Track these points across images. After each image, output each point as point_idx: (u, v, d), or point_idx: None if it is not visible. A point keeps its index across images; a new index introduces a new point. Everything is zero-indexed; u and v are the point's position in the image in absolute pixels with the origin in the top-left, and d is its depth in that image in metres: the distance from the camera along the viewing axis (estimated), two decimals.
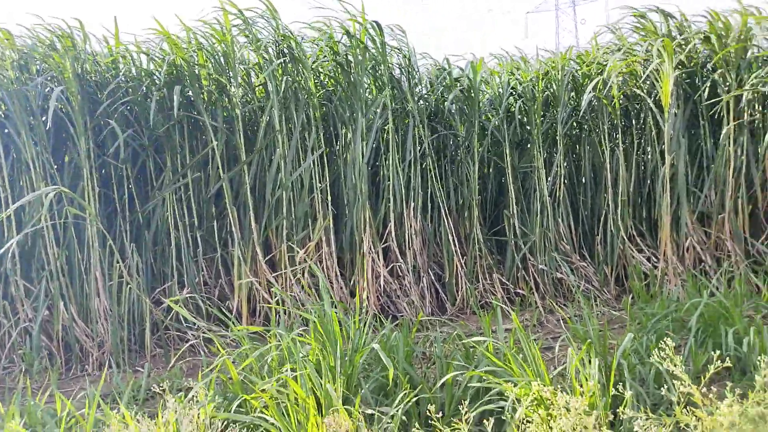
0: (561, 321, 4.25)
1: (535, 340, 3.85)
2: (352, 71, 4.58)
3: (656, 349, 1.88)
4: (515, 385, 2.14)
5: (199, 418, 2.29)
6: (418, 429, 1.91)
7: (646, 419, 1.61)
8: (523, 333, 2.37)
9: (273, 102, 4.32)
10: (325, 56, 4.80)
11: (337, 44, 4.64)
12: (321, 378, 2.32)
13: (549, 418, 1.78)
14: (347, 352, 2.59)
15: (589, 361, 2.20)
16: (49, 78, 4.21)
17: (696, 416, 1.62)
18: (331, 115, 4.83)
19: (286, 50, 4.49)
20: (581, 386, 2.11)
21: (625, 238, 4.79)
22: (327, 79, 4.96)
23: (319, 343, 2.54)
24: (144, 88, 4.43)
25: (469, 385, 2.50)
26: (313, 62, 4.72)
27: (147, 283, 4.54)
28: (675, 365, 1.72)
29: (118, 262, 4.23)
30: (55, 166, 4.32)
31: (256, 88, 4.82)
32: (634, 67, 4.75)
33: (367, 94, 4.87)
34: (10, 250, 4.12)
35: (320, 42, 4.66)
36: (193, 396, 2.47)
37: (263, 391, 2.43)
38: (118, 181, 4.59)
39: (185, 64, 4.33)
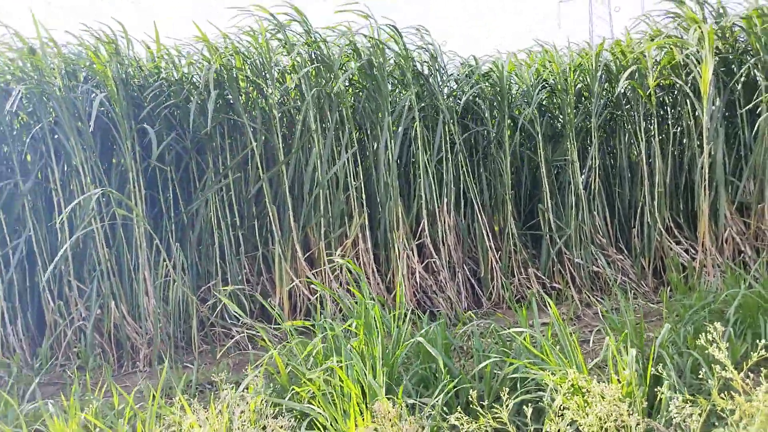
0: (598, 314, 4.27)
1: (571, 332, 3.90)
2: (375, 72, 4.67)
3: (703, 334, 1.92)
4: (553, 375, 2.21)
5: (248, 407, 2.42)
6: (460, 413, 1.99)
7: (683, 401, 1.66)
8: (561, 323, 2.43)
9: (308, 103, 4.44)
10: (348, 58, 4.89)
11: (357, 49, 4.74)
12: (372, 368, 2.42)
13: (585, 405, 1.84)
14: (390, 344, 2.68)
15: (626, 351, 2.24)
16: (95, 84, 4.39)
17: (734, 400, 1.66)
18: (360, 114, 4.93)
19: (316, 53, 4.59)
20: (617, 375, 2.16)
21: (662, 229, 4.77)
22: (355, 80, 5.05)
23: (364, 336, 2.64)
24: (185, 92, 4.58)
25: (507, 376, 2.57)
26: (341, 65, 4.82)
27: (193, 282, 4.71)
28: (720, 350, 1.77)
29: (165, 261, 4.40)
30: (103, 169, 4.51)
31: (291, 90, 4.95)
32: (672, 55, 4.71)
33: (395, 93, 4.96)
34: (64, 251, 4.34)
35: (342, 42, 4.75)
36: (244, 388, 2.60)
37: (310, 380, 2.55)
38: (163, 183, 4.77)
39: (224, 68, 4.47)
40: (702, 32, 4.22)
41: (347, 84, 4.98)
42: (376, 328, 2.62)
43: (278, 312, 4.63)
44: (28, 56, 4.23)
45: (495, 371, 2.85)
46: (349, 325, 2.77)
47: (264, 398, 2.64)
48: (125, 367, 4.34)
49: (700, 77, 4.30)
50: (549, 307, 4.13)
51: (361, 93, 4.91)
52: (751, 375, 1.79)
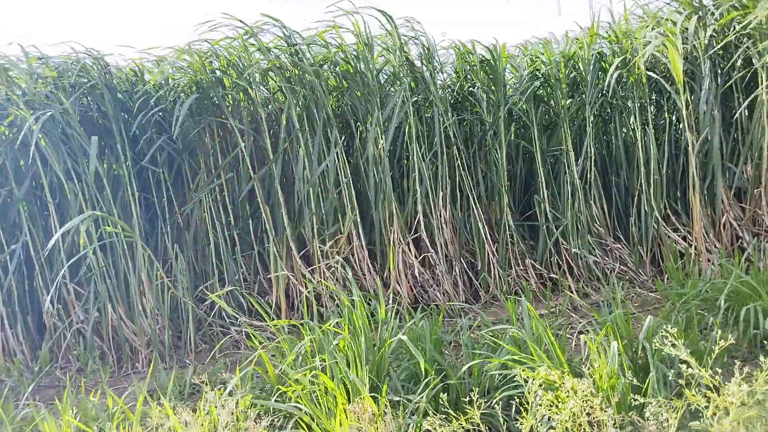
0: (596, 305, 4.24)
1: (569, 325, 3.88)
2: (362, 67, 4.65)
3: (659, 336, 1.90)
4: (532, 371, 2.19)
5: (237, 408, 2.43)
6: (433, 414, 1.98)
7: (658, 405, 1.65)
8: (538, 321, 2.41)
9: (290, 103, 4.44)
10: (329, 58, 4.87)
11: (342, 45, 4.71)
12: (349, 368, 2.42)
13: (558, 401, 1.83)
14: (376, 342, 2.68)
15: (608, 345, 2.22)
16: (83, 93, 4.40)
17: (707, 397, 1.64)
18: (354, 111, 4.91)
19: (295, 53, 4.59)
20: (597, 369, 2.14)
21: (659, 217, 4.72)
22: (341, 77, 5.02)
23: (350, 333, 2.64)
24: (173, 96, 4.59)
25: (494, 372, 2.56)
26: (325, 60, 4.80)
27: (190, 282, 4.73)
28: (678, 349, 1.74)
29: (158, 263, 4.41)
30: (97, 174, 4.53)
31: (276, 92, 4.94)
32: (663, 42, 4.65)
33: (387, 87, 4.94)
34: (60, 256, 4.38)
35: (329, 38, 4.74)
36: (232, 388, 2.61)
37: (296, 381, 2.55)
38: (157, 186, 4.79)
39: (204, 72, 4.49)
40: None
41: (334, 81, 4.96)
42: (362, 326, 2.62)
43: (275, 310, 4.66)
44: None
45: (485, 366, 2.84)
46: (336, 324, 2.77)
47: (252, 396, 2.65)
48: (125, 369, 4.37)
49: (672, 64, 4.24)
50: (545, 300, 4.11)
51: (348, 89, 4.89)
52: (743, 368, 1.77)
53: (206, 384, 2.45)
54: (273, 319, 4.60)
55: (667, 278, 4.40)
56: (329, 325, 2.77)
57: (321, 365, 2.49)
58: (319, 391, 2.40)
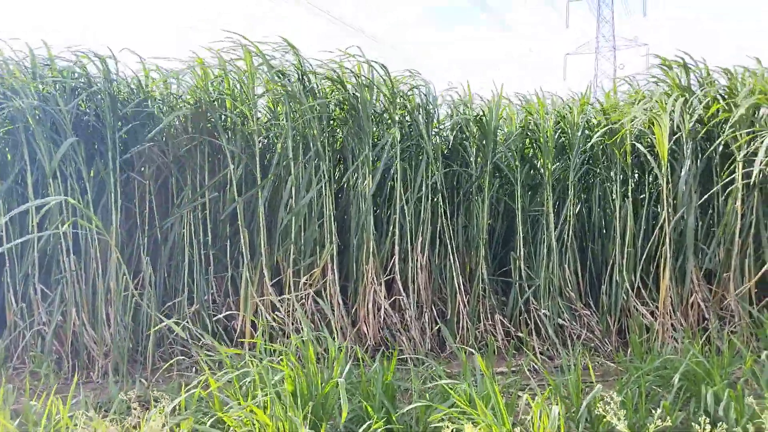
0: (559, 368, 4.24)
1: (527, 386, 3.87)
2: (360, 110, 4.75)
3: (601, 402, 1.93)
4: (475, 425, 2.21)
5: (178, 429, 2.42)
6: None
7: None
8: (489, 378, 2.43)
9: (287, 132, 4.52)
10: (335, 92, 4.97)
11: (344, 84, 4.82)
12: (294, 405, 2.42)
13: None
14: (324, 381, 2.68)
15: (549, 409, 2.24)
16: (85, 98, 4.47)
17: None
18: (343, 146, 5.00)
19: (306, 83, 4.69)
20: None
21: (629, 289, 4.77)
22: (339, 112, 5.13)
23: (299, 369, 2.64)
24: (171, 109, 4.67)
25: (435, 425, 2.56)
26: (327, 94, 4.91)
27: (158, 297, 4.71)
28: (618, 419, 1.77)
29: (125, 275, 4.41)
30: (82, 178, 4.55)
31: (280, 116, 5.03)
32: (651, 119, 4.78)
33: (381, 130, 5.04)
34: (30, 255, 4.37)
35: (333, 75, 4.85)
36: (174, 408, 2.60)
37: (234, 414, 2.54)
38: (141, 196, 4.82)
39: (206, 93, 4.58)
40: (660, 102, 4.30)
41: (331, 116, 5.06)
42: (311, 364, 2.62)
43: (239, 335, 4.64)
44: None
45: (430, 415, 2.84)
46: (283, 359, 2.78)
47: (195, 420, 2.64)
48: (79, 377, 4.32)
49: (657, 142, 4.37)
50: (508, 358, 4.12)
51: (345, 125, 4.99)
52: None
53: (145, 403, 2.44)
54: (237, 343, 4.59)
55: (631, 350, 4.42)
56: (278, 359, 2.77)
57: (265, 398, 2.49)
58: (257, 426, 2.40)
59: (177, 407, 2.82)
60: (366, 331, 4.77)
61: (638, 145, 4.76)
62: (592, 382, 3.91)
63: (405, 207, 4.91)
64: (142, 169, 4.77)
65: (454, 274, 4.98)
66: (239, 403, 2.54)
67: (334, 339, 4.26)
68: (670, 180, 4.72)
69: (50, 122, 4.38)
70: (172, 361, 4.06)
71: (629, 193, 4.94)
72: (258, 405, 2.49)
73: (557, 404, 2.31)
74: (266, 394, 2.47)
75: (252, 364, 2.78)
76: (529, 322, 4.87)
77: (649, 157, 4.66)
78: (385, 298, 4.82)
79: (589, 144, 4.60)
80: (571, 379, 2.83)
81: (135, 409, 2.30)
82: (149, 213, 4.83)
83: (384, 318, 4.81)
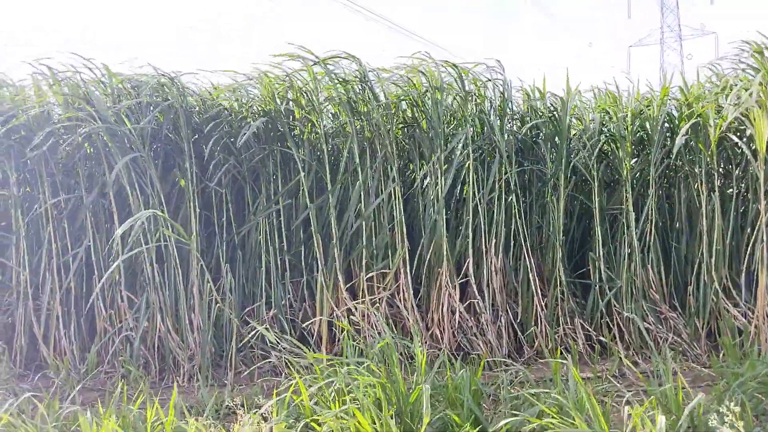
0: (645, 374, 4.08)
1: (615, 392, 3.73)
2: (430, 112, 4.71)
3: (715, 413, 1.82)
4: None
5: None
6: None
7: None
8: (583, 388, 2.34)
9: (352, 138, 4.55)
10: (406, 93, 4.95)
11: (419, 84, 4.79)
12: (382, 411, 2.40)
13: None
14: (411, 386, 2.66)
15: (655, 419, 2.14)
16: (159, 112, 4.62)
17: None
18: (414, 149, 4.97)
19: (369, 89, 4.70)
20: None
21: (719, 290, 4.53)
22: (411, 113, 5.10)
23: (383, 377, 2.63)
24: (241, 121, 4.78)
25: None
26: (398, 97, 4.90)
27: (238, 302, 4.82)
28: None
29: (208, 282, 4.53)
30: (162, 189, 4.71)
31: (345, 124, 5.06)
32: (733, 111, 4.53)
33: (453, 129, 4.99)
34: (119, 264, 4.55)
35: (404, 77, 4.84)
36: (263, 413, 2.63)
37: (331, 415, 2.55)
38: (218, 205, 4.95)
39: (274, 103, 4.66)
40: (760, 88, 4.05)
41: (402, 118, 5.05)
42: (397, 370, 2.60)
43: (316, 340, 4.69)
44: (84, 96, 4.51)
45: (524, 425, 2.77)
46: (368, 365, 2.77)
47: (286, 425, 2.67)
48: (166, 380, 4.47)
49: (756, 132, 4.11)
50: (592, 363, 3.99)
51: (416, 127, 4.96)
52: None
53: (243, 407, 2.48)
54: (314, 347, 4.64)
55: (723, 355, 4.20)
56: (365, 364, 2.77)
57: (354, 405, 2.48)
58: (351, 429, 2.39)
59: (267, 411, 2.85)
60: (440, 336, 4.72)
61: (732, 137, 4.51)
62: (684, 388, 3.75)
63: (478, 207, 4.83)
64: (219, 178, 4.89)
65: (530, 276, 4.86)
66: (329, 409, 2.55)
67: (410, 343, 4.23)
68: (757, 173, 4.45)
69: (127, 137, 4.54)
70: (258, 365, 4.15)
71: (716, 189, 4.69)
72: (348, 412, 2.49)
73: (661, 414, 2.20)
74: (355, 400, 2.46)
75: (339, 370, 2.79)
76: (611, 325, 4.70)
77: (745, 148, 4.40)
78: (459, 301, 4.75)
79: (679, 140, 4.37)
80: (669, 386, 2.69)
81: (241, 415, 2.34)
82: (226, 221, 4.95)
83: (459, 322, 4.75)
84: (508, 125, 5.16)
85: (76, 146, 4.67)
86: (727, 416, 1.79)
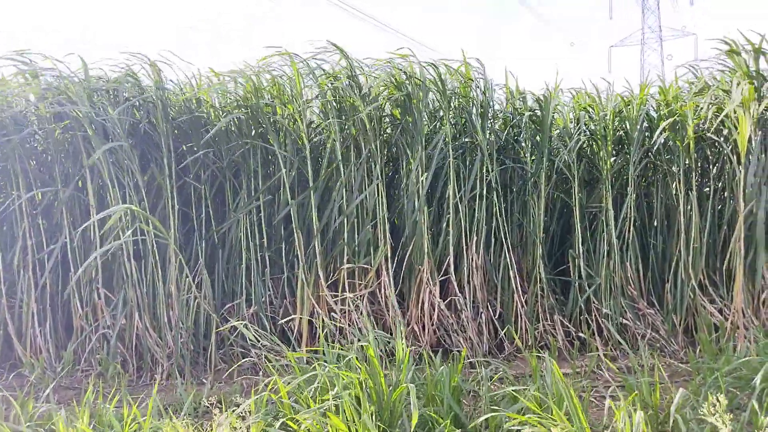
0: (622, 369, 4.12)
1: (593, 388, 3.77)
2: (413, 107, 4.70)
3: (706, 404, 1.84)
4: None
5: None
6: None
7: None
8: (563, 383, 2.35)
9: (335, 135, 4.53)
10: (388, 89, 4.93)
11: (399, 84, 4.78)
12: (361, 409, 2.39)
13: None
14: (391, 383, 2.65)
15: (634, 415, 2.15)
16: (135, 106, 4.55)
17: None
18: (395, 145, 4.96)
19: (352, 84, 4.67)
20: None
21: (695, 286, 4.60)
22: (392, 111, 5.09)
23: (365, 374, 2.62)
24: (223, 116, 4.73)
25: (510, 428, 2.50)
26: (381, 93, 4.88)
27: (217, 299, 4.78)
28: (724, 424, 1.68)
29: (187, 277, 4.48)
30: (139, 184, 4.65)
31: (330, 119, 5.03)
32: (717, 109, 4.59)
33: (435, 127, 4.98)
34: (95, 261, 4.48)
35: (385, 74, 4.81)
36: (241, 412, 2.61)
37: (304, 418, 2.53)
38: (197, 201, 4.89)
39: (256, 99, 4.62)
40: (743, 89, 4.10)
41: (384, 115, 5.03)
42: (377, 367, 2.59)
43: (296, 336, 4.66)
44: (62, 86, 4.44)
45: (503, 420, 2.78)
46: (348, 362, 2.76)
47: (265, 423, 2.64)
48: (144, 378, 4.42)
49: (738, 134, 4.16)
50: (571, 359, 4.01)
51: (397, 125, 4.95)
52: None
53: (221, 406, 2.46)
54: (294, 345, 4.62)
55: (700, 351, 4.26)
56: (344, 361, 2.75)
57: (333, 402, 2.47)
58: (330, 428, 2.38)
59: (245, 410, 2.83)
60: (420, 332, 4.72)
61: (712, 136, 4.57)
62: (662, 383, 3.80)
63: (459, 205, 4.83)
64: (198, 174, 4.83)
65: (511, 273, 4.89)
66: (309, 407, 2.53)
67: (390, 340, 4.23)
68: (735, 172, 4.52)
69: (105, 132, 4.47)
70: (238, 364, 4.10)
71: (693, 187, 4.75)
72: (328, 409, 2.48)
73: (639, 409, 2.22)
74: (335, 399, 2.45)
75: (319, 367, 2.77)
76: (590, 322, 4.74)
77: (724, 146, 4.46)
78: (440, 298, 4.76)
79: (656, 138, 4.41)
80: (646, 381, 2.72)
81: (215, 413, 2.31)
82: (206, 217, 4.90)
83: (439, 318, 4.76)
84: (490, 123, 5.17)
85: (53, 141, 4.58)
86: (711, 409, 1.80)
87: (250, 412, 2.69)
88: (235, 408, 2.61)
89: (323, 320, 4.58)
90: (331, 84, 4.69)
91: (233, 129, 4.82)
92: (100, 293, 4.52)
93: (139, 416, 2.95)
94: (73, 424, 2.90)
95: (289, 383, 2.92)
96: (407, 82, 4.69)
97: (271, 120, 4.74)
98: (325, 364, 2.90)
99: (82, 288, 4.59)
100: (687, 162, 4.76)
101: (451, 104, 4.94)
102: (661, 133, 4.48)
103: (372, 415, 2.37)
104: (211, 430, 2.43)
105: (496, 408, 2.67)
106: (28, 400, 3.32)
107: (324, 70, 4.73)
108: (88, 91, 4.43)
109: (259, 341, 4.50)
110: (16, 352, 4.58)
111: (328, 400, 2.45)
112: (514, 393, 2.79)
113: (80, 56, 4.62)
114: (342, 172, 4.67)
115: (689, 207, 4.75)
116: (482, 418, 2.56)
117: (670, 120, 4.57)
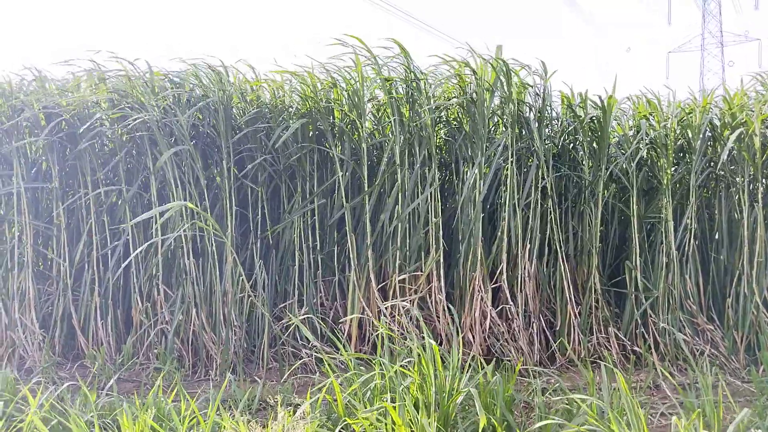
0: (682, 386, 4.00)
1: (649, 404, 3.67)
2: (476, 112, 4.67)
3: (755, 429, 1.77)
4: None
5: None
6: None
7: None
8: (629, 395, 2.31)
9: (396, 139, 4.54)
10: (450, 95, 4.93)
11: (464, 88, 4.76)
12: (418, 412, 2.40)
13: None
14: (446, 390, 2.65)
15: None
16: (197, 109, 4.68)
17: None
18: (453, 151, 4.95)
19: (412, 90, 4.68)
20: None
21: (759, 302, 4.42)
22: (453, 116, 5.08)
23: (420, 378, 2.62)
24: (281, 119, 4.81)
25: None
26: (441, 98, 4.88)
27: (270, 299, 4.87)
28: None
29: (241, 276, 4.58)
30: (200, 184, 4.78)
31: (382, 126, 5.06)
32: None
33: (491, 133, 4.94)
34: (154, 257, 4.63)
35: (448, 77, 4.81)
36: (300, 412, 2.65)
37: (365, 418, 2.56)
38: (254, 203, 5.00)
39: (315, 102, 4.68)
40: None
41: (443, 120, 5.03)
42: (433, 372, 2.60)
43: (346, 339, 4.70)
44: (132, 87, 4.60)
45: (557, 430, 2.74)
46: (405, 366, 2.77)
47: (318, 424, 2.68)
48: (198, 374, 4.53)
49: None
50: (625, 373, 3.93)
51: (458, 129, 4.94)
52: None
53: (279, 404, 2.51)
54: (344, 347, 4.65)
55: (763, 370, 4.10)
56: (394, 368, 2.76)
57: (390, 404, 2.48)
58: (386, 430, 2.39)
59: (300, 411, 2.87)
60: (471, 340, 4.69)
61: None
62: (724, 403, 3.67)
63: (514, 212, 4.79)
64: (255, 176, 4.94)
65: (565, 283, 4.81)
66: (366, 407, 2.55)
67: (440, 346, 4.22)
68: None
69: (170, 134, 4.62)
70: (295, 364, 4.16)
71: (759, 200, 4.58)
72: (384, 412, 2.49)
73: (702, 428, 2.15)
74: (393, 400, 2.46)
75: (377, 367, 2.79)
76: (646, 336, 4.62)
77: None
78: (492, 306, 4.72)
79: (724, 151, 4.27)
80: (709, 399, 2.63)
81: (278, 412, 2.36)
82: (261, 219, 5.00)
83: (490, 327, 4.71)
84: (547, 130, 5.10)
85: (118, 142, 4.77)
86: None
87: (305, 411, 2.73)
88: (290, 407, 2.65)
89: (373, 323, 4.61)
90: (402, 88, 4.69)
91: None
92: (160, 289, 4.67)
93: (197, 411, 3.03)
94: (135, 417, 3.00)
95: (341, 384, 2.95)
96: (470, 84, 4.67)
97: (330, 123, 4.80)
98: (383, 365, 2.92)
99: (143, 284, 4.75)
100: (752, 173, 4.59)
101: (510, 108, 4.89)
102: (725, 145, 4.32)
103: (432, 419, 2.37)
104: (268, 426, 2.48)
105: (551, 418, 2.64)
106: (92, 391, 3.46)
107: (384, 75, 4.75)
108: (157, 99, 4.58)
109: (309, 342, 4.56)
110: (79, 343, 4.77)
111: (388, 399, 2.46)
112: (573, 401, 2.74)
113: (147, 61, 4.79)
114: (398, 177, 4.69)
115: (753, 219, 4.58)
116: (537, 426, 2.52)
117: (738, 131, 4.41)
